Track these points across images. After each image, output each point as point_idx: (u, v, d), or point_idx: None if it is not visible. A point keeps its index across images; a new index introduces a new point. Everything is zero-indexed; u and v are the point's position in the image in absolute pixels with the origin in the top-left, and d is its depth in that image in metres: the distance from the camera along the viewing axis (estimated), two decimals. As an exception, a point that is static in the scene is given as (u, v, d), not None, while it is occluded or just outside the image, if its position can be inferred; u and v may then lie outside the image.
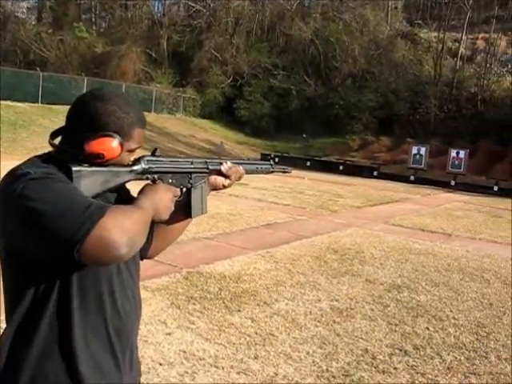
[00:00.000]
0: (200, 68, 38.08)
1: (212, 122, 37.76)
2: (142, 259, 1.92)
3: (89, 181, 1.53)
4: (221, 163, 1.97)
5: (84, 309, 1.56)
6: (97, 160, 1.56)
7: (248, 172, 2.10)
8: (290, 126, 35.22)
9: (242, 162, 2.09)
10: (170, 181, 1.78)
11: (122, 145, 1.60)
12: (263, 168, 2.20)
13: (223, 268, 6.94)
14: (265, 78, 37.20)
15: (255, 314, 5.33)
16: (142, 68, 38.42)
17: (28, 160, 1.58)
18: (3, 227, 1.51)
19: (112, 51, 37.39)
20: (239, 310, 5.40)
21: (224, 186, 2.00)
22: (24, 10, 49.26)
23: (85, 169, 1.54)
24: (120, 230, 1.40)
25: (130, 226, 1.43)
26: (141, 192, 1.65)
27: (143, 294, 5.57)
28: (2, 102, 25.61)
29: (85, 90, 32.46)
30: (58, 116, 25.42)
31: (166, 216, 1.68)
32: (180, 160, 1.83)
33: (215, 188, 1.99)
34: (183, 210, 1.91)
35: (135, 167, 1.66)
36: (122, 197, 1.72)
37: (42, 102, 27.64)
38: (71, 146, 1.59)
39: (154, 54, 39.74)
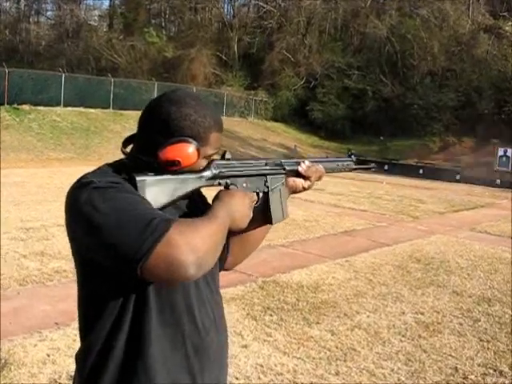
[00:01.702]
0: (272, 70, 38.21)
1: (285, 125, 37.80)
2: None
3: (155, 190, 1.48)
4: (298, 163, 1.88)
5: (161, 324, 1.51)
6: (172, 167, 1.51)
7: (328, 170, 2.00)
8: (366, 128, 34.82)
9: (320, 159, 2.00)
10: (244, 185, 1.71)
11: (198, 150, 1.53)
12: (344, 165, 2.10)
13: (300, 277, 6.86)
14: (339, 79, 36.89)
15: (335, 327, 5.22)
16: (213, 71, 38.95)
17: (98, 168, 1.55)
18: (72, 234, 1.48)
19: (182, 55, 38.10)
20: (318, 322, 5.31)
21: (304, 188, 1.91)
22: (96, 18, 51.26)
23: (149, 178, 1.48)
24: (188, 246, 1.33)
25: (200, 241, 1.36)
26: (215, 199, 1.59)
27: (218, 304, 5.57)
28: (76, 109, 26.58)
29: (155, 95, 33.46)
30: (128, 121, 26.14)
31: (244, 224, 1.61)
32: (253, 162, 1.75)
33: (295, 191, 1.91)
34: (261, 216, 1.83)
35: (204, 173, 1.60)
36: (198, 205, 1.66)
37: (113, 108, 28.44)
38: (144, 154, 1.53)
39: (224, 57, 40.24)
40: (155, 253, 1.31)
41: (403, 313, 5.80)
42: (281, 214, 1.88)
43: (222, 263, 1.87)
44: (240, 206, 1.59)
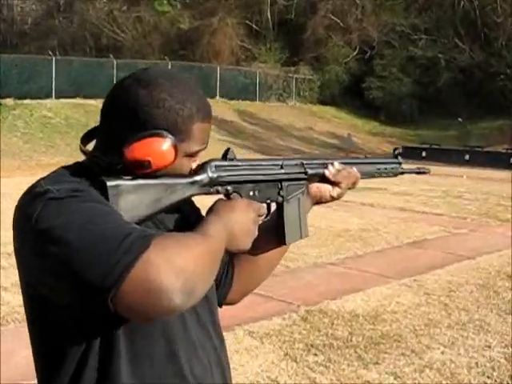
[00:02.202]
0: (315, 39, 38.23)
1: (335, 109, 37.79)
2: (220, 306, 1.84)
3: (132, 199, 1.44)
4: (325, 165, 1.86)
5: (135, 376, 1.47)
6: (141, 170, 1.46)
7: (365, 175, 1.98)
8: (440, 108, 34.50)
9: (355, 161, 1.96)
10: (251, 193, 1.68)
11: (175, 147, 1.48)
12: (387, 169, 2.06)
13: (355, 304, 6.80)
14: (402, 46, 36.74)
15: (399, 368, 5.15)
16: (241, 44, 39.16)
17: (53, 172, 1.50)
18: (21, 259, 1.44)
19: (201, 26, 38.40)
20: (377, 363, 5.24)
21: (332, 198, 1.89)
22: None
23: (125, 183, 1.43)
24: (172, 268, 1.27)
25: (187, 262, 1.30)
26: (209, 212, 1.54)
27: (248, 341, 5.57)
28: (71, 101, 27.04)
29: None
30: (137, 113, 26.40)
31: (246, 244, 1.56)
32: (264, 163, 1.71)
33: (319, 200, 1.89)
34: (273, 233, 1.80)
35: (198, 177, 1.56)
36: (188, 219, 1.61)
37: (117, 97, 28.78)
38: (107, 152, 1.49)
39: (254, 26, 40.39)
40: (130, 279, 1.24)
41: (489, 346, 5.69)
42: (298, 232, 1.85)
43: (223, 295, 1.84)
44: (241, 221, 1.54)
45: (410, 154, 26.38)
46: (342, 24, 38.19)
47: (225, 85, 35.20)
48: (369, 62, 37.36)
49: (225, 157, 1.63)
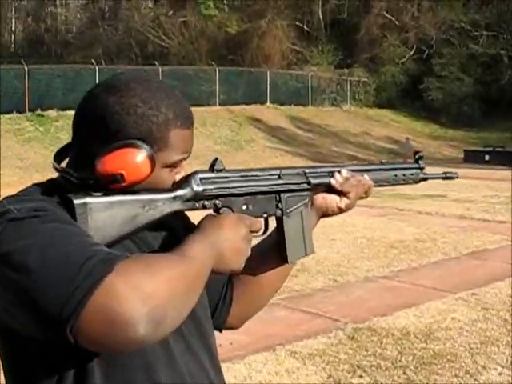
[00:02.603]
0: (370, 39, 38.13)
1: (392, 112, 37.59)
2: (220, 330, 1.78)
3: (103, 218, 1.37)
4: (331, 173, 1.76)
5: None
6: (115, 184, 1.39)
7: (380, 183, 1.89)
8: (504, 109, 33.96)
9: (367, 168, 1.88)
10: (245, 207, 1.59)
11: (151, 158, 1.40)
12: (406, 175, 1.96)
13: (406, 321, 6.67)
14: (462, 44, 36.38)
15: (452, 390, 5.01)
16: (292, 47, 39.21)
17: (22, 190, 1.45)
18: None
19: (250, 29, 38.58)
20: (428, 384, 5.11)
21: (340, 209, 1.80)
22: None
23: (94, 200, 1.36)
24: (137, 294, 1.19)
25: (156, 287, 1.22)
26: (195, 230, 1.46)
27: (290, 362, 5.48)
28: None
29: (217, 84, 34.42)
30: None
31: (238, 264, 1.47)
32: (259, 174, 1.62)
33: (326, 213, 1.80)
34: (274, 251, 1.72)
35: (181, 191, 1.47)
36: (179, 237, 1.49)
37: (164, 107, 28.99)
38: (80, 167, 1.43)
39: (305, 27, 40.45)
40: (89, 307, 1.16)
41: (553, 366, 5.50)
42: (302, 249, 1.75)
43: (222, 320, 1.77)
44: (231, 239, 1.45)
45: (473, 157, 26.07)
46: (397, 22, 38.01)
47: (275, 90, 35.27)
48: (427, 62, 37.08)
49: (212, 168, 1.54)
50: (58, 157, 1.51)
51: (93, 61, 30.11)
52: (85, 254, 1.22)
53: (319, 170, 1.76)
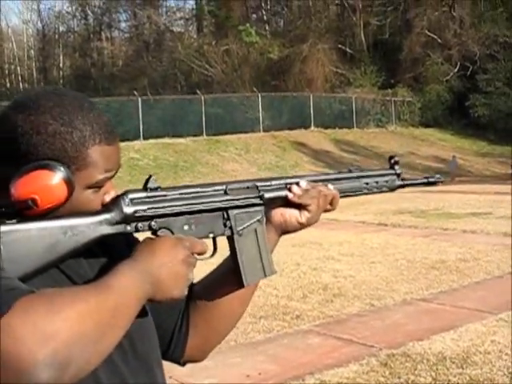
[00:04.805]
0: (413, 58, 37.97)
1: (439, 131, 37.28)
2: (180, 364, 1.65)
3: (18, 248, 1.25)
4: (288, 185, 1.60)
5: None
6: (29, 211, 1.27)
7: (347, 192, 1.72)
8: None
9: (331, 177, 1.70)
10: (186, 228, 1.43)
11: (68, 179, 1.28)
12: (379, 182, 1.78)
13: (443, 345, 6.41)
14: (507, 58, 35.96)
15: (487, 419, 4.77)
16: (335, 70, 39.20)
17: None
18: None
19: (291, 54, 38.68)
20: (462, 413, 4.88)
21: (301, 224, 1.61)
22: (180, 22, 53.21)
23: (6, 228, 1.24)
24: (36, 335, 1.05)
25: (61, 326, 1.08)
26: (130, 255, 1.32)
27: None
28: (159, 141, 27.48)
29: (261, 110, 34.44)
30: (228, 149, 26.60)
31: (179, 290, 1.33)
32: (202, 190, 1.46)
33: (286, 229, 1.62)
34: (230, 273, 1.56)
35: (107, 214, 1.34)
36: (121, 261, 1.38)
37: (207, 134, 29.19)
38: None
39: (348, 49, 40.42)
40: None
41: None
42: (260, 270, 1.57)
43: (179, 352, 1.61)
44: (167, 263, 1.31)
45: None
46: (439, 40, 37.78)
47: (319, 113, 35.26)
48: (472, 78, 36.71)
49: (145, 186, 1.39)
50: None
51: (135, 92, 30.38)
52: None
53: (274, 182, 1.58)
